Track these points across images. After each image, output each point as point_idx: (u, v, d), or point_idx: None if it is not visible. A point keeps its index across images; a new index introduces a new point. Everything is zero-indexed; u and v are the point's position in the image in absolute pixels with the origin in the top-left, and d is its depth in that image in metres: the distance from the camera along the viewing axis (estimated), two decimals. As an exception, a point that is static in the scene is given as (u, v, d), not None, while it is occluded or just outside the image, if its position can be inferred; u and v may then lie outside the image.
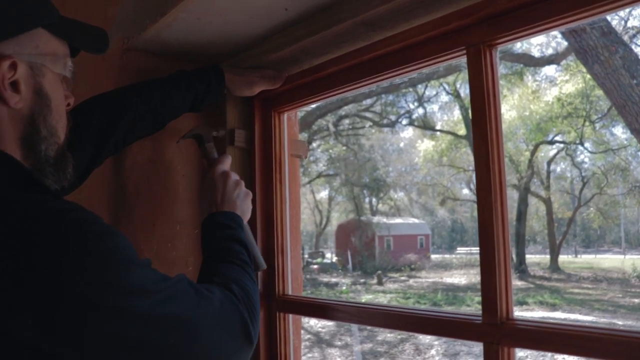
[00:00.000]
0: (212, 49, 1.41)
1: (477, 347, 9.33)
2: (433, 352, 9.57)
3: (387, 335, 11.45)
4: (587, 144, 21.29)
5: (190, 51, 1.42)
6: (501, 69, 19.31)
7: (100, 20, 1.47)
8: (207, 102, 1.36)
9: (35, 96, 0.81)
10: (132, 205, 1.43)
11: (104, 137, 1.16)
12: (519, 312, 11.83)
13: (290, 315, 1.48)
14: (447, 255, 32.86)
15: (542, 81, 20.25)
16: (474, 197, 29.30)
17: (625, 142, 19.36)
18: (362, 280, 21.16)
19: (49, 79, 0.84)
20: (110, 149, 1.23)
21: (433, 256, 31.05)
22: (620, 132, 21.10)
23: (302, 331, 12.30)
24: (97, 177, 1.26)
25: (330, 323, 13.06)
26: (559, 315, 10.95)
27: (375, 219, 30.43)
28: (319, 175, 27.55)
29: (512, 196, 26.22)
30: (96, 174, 1.24)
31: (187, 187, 1.52)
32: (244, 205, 1.24)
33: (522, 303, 11.71)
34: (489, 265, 0.99)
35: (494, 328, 0.98)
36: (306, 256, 32.17)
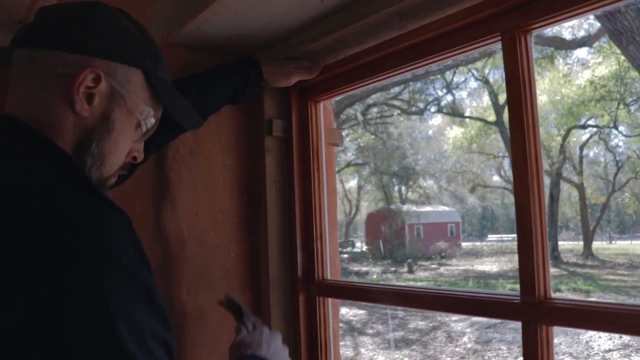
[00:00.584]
0: (249, 42, 1.45)
1: (510, 334, 9.29)
2: (465, 339, 9.56)
3: (419, 323, 11.46)
4: (621, 128, 20.86)
5: (228, 45, 1.47)
6: (532, 52, 19.01)
7: (139, 17, 1.52)
8: (247, 95, 1.40)
9: (102, 117, 0.84)
10: (175, 195, 1.48)
11: (150, 138, 1.14)
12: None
13: (330, 300, 1.52)
14: (477, 243, 32.60)
15: (573, 64, 19.88)
16: (504, 184, 29.01)
17: (662, 124, 18.92)
18: (392, 269, 21.16)
19: (122, 112, 0.86)
20: (155, 148, 1.28)
21: (463, 244, 30.86)
22: (656, 114, 20.58)
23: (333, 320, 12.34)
24: (140, 169, 1.31)
25: (361, 311, 13.12)
26: (593, 302, 10.81)
27: (405, 207, 30.35)
28: (348, 165, 27.53)
29: (544, 182, 25.86)
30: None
31: (228, 176, 1.57)
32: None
33: (555, 290, 11.56)
34: (526, 247, 1.02)
35: (533, 307, 1.01)
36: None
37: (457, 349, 9.10)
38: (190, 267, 1.47)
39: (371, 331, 11.21)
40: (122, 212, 0.75)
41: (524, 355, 1.04)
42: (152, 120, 0.92)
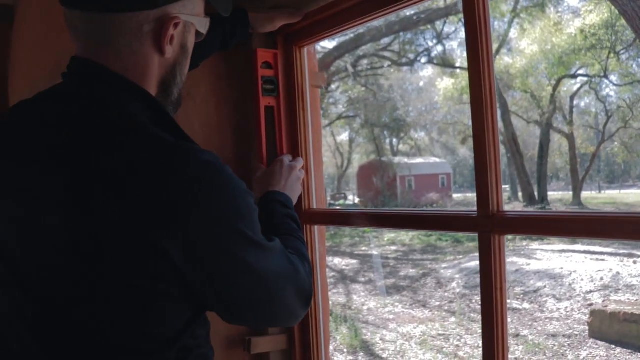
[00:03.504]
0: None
1: (497, 278, 9.59)
2: (454, 284, 9.89)
3: (410, 270, 11.80)
4: (612, 77, 20.89)
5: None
6: (522, 1, 18.84)
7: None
8: (235, 41, 1.53)
9: (181, 49, 0.96)
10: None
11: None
12: (538, 246, 12.06)
13: (316, 227, 1.69)
14: (469, 194, 32.97)
15: (564, 12, 19.75)
16: (495, 135, 29.03)
17: (653, 72, 18.95)
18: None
19: (192, 35, 0.98)
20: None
21: (455, 195, 31.24)
22: (647, 63, 20.61)
23: (327, 270, 12.66)
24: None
25: (354, 261, 13.46)
26: (578, 248, 11.13)
27: (397, 159, 30.47)
28: (339, 117, 27.52)
29: (534, 132, 26.02)
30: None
31: (221, 117, 1.71)
32: (296, 196, 1.44)
33: (543, 238, 11.89)
34: (482, 165, 1.17)
35: (487, 219, 1.17)
36: (328, 198, 32.61)
37: (446, 294, 9.44)
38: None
39: (363, 279, 11.55)
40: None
41: (480, 264, 1.21)
42: (208, 22, 1.02)
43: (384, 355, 6.71)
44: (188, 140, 0.88)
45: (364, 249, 15.54)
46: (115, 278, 0.78)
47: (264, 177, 1.44)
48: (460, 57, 24.71)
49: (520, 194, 24.08)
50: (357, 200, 29.75)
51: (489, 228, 1.17)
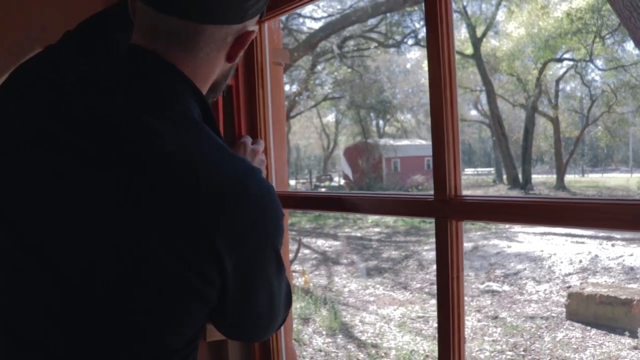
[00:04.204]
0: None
1: (478, 261, 9.67)
2: (435, 266, 9.91)
3: (392, 252, 11.82)
4: (597, 61, 20.93)
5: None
6: (510, -16, 18.75)
7: None
8: None
9: (239, 57, 0.97)
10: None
11: None
12: (520, 229, 12.13)
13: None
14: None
15: (552, -5, 19.68)
16: (481, 118, 29.20)
17: (636, 57, 19.00)
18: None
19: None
20: None
21: (440, 177, 31.27)
22: (631, 47, 20.62)
23: (309, 251, 12.74)
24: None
25: (336, 243, 13.46)
26: (559, 231, 11.20)
27: (382, 141, 30.45)
28: (325, 99, 27.36)
29: (520, 115, 26.09)
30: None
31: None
32: None
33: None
34: (439, 147, 1.11)
35: (444, 204, 1.11)
36: (314, 180, 32.59)
37: (427, 276, 9.47)
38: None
39: (345, 261, 11.55)
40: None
41: (437, 249, 1.15)
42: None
43: (363, 338, 6.70)
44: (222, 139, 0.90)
45: (347, 230, 15.54)
46: (165, 269, 0.76)
47: None
48: (447, 39, 24.60)
49: (504, 177, 24.20)
50: (342, 182, 29.75)
51: (446, 213, 1.11)
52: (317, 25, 19.13)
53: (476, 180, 28.99)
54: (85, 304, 0.77)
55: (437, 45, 1.10)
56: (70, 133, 0.80)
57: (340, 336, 6.85)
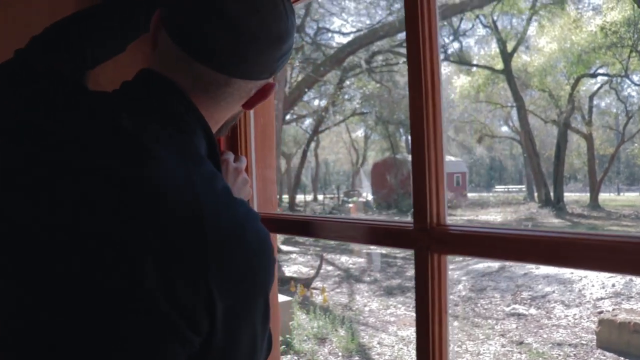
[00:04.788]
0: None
1: (504, 283, 9.34)
2: (460, 287, 9.63)
3: (417, 270, 11.53)
4: (633, 77, 20.40)
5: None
6: (542, -2, 18.46)
7: None
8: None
9: None
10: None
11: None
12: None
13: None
14: (484, 194, 32.60)
15: (584, 9, 19.27)
16: (512, 134, 28.72)
17: (675, 73, 18.47)
18: (396, 218, 21.24)
19: None
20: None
21: (470, 194, 30.88)
22: (670, 63, 20.05)
23: (332, 267, 12.54)
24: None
25: (360, 259, 13.24)
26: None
27: (410, 156, 30.23)
28: (353, 114, 27.30)
29: (552, 132, 25.57)
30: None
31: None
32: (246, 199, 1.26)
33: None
34: (420, 170, 0.96)
35: (424, 234, 0.95)
36: (342, 195, 32.41)
37: (451, 297, 9.18)
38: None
39: (368, 279, 11.33)
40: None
41: (416, 285, 0.99)
42: None
43: (379, 361, 6.48)
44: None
45: (372, 247, 15.31)
46: (155, 309, 0.70)
47: None
48: (477, 54, 24.35)
49: (535, 195, 23.67)
50: (370, 197, 29.52)
51: (426, 244, 0.95)
52: (345, 40, 19.05)
53: (506, 197, 28.43)
54: (62, 327, 0.70)
55: (418, 50, 0.95)
56: (67, 141, 0.76)
57: (357, 358, 6.63)
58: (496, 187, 36.10)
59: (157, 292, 0.68)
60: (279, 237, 16.42)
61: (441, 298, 0.96)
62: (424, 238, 0.95)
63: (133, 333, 0.70)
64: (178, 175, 0.73)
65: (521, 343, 6.74)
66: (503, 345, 6.70)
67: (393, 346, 6.90)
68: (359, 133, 34.88)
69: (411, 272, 11.40)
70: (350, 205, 25.56)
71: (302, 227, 1.25)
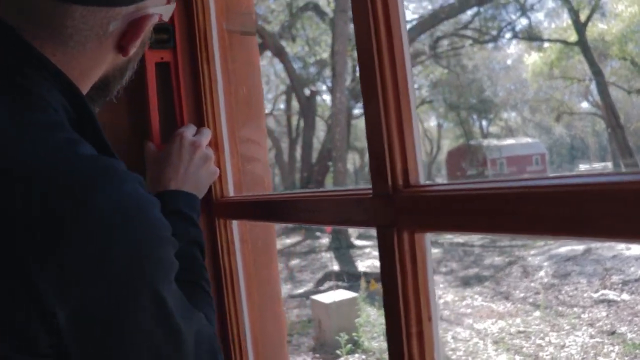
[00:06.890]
0: None
1: (591, 266, 8.65)
2: (542, 273, 9.03)
3: (495, 258, 11.02)
4: None
5: None
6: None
7: None
8: None
9: (140, 46, 0.79)
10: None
11: None
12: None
13: (235, 222, 1.23)
14: (567, 173, 31.14)
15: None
16: (593, 110, 27.13)
17: None
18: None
19: (152, 26, 0.78)
20: None
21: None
22: None
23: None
24: None
25: (436, 250, 12.81)
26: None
27: (485, 142, 29.63)
28: (422, 103, 26.72)
29: (638, 103, 24.02)
30: None
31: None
32: (205, 185, 1.14)
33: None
34: (373, 107, 0.67)
35: (385, 200, 0.67)
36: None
37: (532, 284, 8.62)
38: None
39: (444, 269, 10.89)
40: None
41: (382, 286, 0.70)
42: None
43: (453, 357, 6.08)
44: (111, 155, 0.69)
45: (448, 236, 14.80)
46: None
47: (156, 164, 1.08)
48: (548, 28, 23.10)
49: (623, 170, 22.23)
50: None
51: (390, 218, 0.67)
52: (407, 27, 18.57)
53: (591, 176, 26.96)
54: None
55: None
56: None
57: (431, 354, 6.28)
58: (580, 166, 34.43)
59: None
60: (352, 232, 16.06)
61: (419, 301, 0.67)
62: (385, 208, 0.67)
63: None
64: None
65: (613, 333, 6.15)
66: (592, 336, 6.14)
67: (468, 341, 6.49)
68: (432, 122, 34.29)
69: (489, 260, 10.88)
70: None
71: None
